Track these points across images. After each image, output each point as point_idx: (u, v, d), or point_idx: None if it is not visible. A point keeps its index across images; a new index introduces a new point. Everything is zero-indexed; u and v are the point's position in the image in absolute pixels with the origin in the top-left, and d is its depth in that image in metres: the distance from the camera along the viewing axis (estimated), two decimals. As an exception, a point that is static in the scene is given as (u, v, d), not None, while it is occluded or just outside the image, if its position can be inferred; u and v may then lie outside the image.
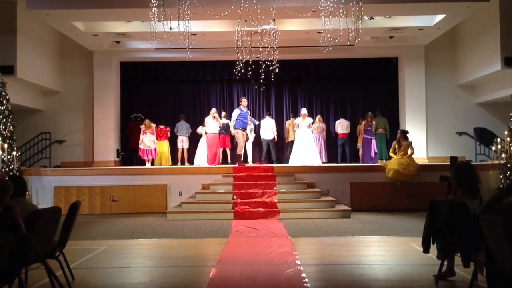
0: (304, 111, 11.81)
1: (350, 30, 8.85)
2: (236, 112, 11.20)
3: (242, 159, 11.30)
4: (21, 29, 10.67)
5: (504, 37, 10.44)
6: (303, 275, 4.78)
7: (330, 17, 8.75)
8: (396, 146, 10.15)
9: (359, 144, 12.82)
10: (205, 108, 13.83)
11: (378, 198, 9.97)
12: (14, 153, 9.34)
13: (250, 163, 12.04)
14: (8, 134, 9.22)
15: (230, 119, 12.04)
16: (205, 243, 6.81)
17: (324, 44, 8.85)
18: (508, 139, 9.30)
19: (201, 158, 12.19)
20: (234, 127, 11.24)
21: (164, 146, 12.70)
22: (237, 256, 5.80)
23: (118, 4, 9.59)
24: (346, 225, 8.08)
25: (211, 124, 11.65)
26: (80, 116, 13.28)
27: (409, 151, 9.97)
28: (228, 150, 12.70)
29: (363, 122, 12.62)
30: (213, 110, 11.80)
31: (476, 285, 4.21)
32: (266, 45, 9.50)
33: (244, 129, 11.14)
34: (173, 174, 10.47)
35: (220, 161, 12.13)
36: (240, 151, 11.11)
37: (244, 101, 11.34)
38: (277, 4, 8.87)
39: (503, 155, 9.43)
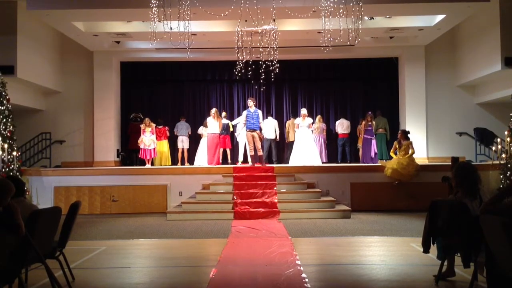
0: (304, 111, 11.81)
1: (350, 30, 8.85)
2: (244, 114, 11.19)
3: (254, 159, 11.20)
4: (21, 29, 10.67)
5: (504, 37, 10.44)
6: (303, 275, 4.78)
7: (330, 17, 8.76)
8: (397, 146, 10.15)
9: (359, 144, 12.83)
10: (205, 108, 13.86)
11: (378, 198, 9.97)
12: (14, 153, 9.34)
13: (250, 163, 12.03)
14: (8, 134, 9.21)
15: (232, 120, 11.98)
16: (205, 243, 6.81)
17: (324, 44, 8.85)
18: (508, 139, 9.30)
19: (202, 158, 12.20)
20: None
21: (164, 146, 12.71)
22: (237, 256, 5.80)
23: (118, 4, 9.59)
24: (346, 225, 8.08)
25: (212, 124, 11.65)
26: (80, 116, 13.29)
27: (410, 151, 9.97)
28: (228, 150, 12.71)
29: (363, 122, 12.63)
30: (213, 110, 11.81)
31: (476, 285, 4.21)
32: (266, 45, 9.50)
33: (251, 130, 10.97)
34: (173, 174, 10.47)
35: (220, 161, 12.14)
36: (251, 152, 11.05)
37: (249, 102, 11.19)
38: (277, 4, 8.87)
39: (503, 155, 9.43)
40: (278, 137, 12.77)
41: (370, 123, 12.50)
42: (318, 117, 12.91)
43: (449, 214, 4.18)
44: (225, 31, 10.94)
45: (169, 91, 14.18)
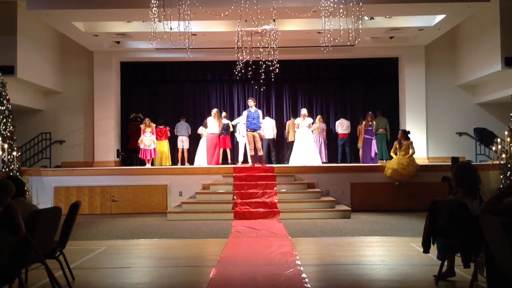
0: (304, 111, 11.81)
1: (350, 30, 8.85)
2: (244, 114, 11.15)
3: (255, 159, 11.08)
4: (21, 29, 10.67)
5: (504, 37, 10.44)
6: (303, 275, 4.78)
7: (330, 17, 8.76)
8: (397, 146, 10.14)
9: (359, 144, 12.83)
10: (205, 108, 13.88)
11: (378, 198, 9.96)
12: (14, 153, 9.33)
13: (250, 163, 12.03)
14: (8, 134, 9.21)
15: (232, 120, 11.92)
16: (205, 243, 6.81)
17: (324, 44, 8.85)
18: (508, 139, 9.30)
19: (202, 158, 12.20)
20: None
21: (164, 146, 12.71)
22: (237, 257, 5.80)
23: (118, 4, 9.59)
24: (346, 225, 8.08)
25: (212, 124, 11.65)
26: (80, 116, 13.29)
27: (410, 151, 9.96)
28: (228, 150, 12.70)
29: (364, 122, 12.63)
30: (215, 110, 11.80)
31: (476, 286, 4.21)
32: (266, 45, 9.50)
33: (252, 130, 10.89)
34: (173, 174, 10.46)
35: (220, 161, 12.14)
36: (251, 152, 11.01)
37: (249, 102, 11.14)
38: (277, 4, 8.87)
39: (503, 156, 9.43)
40: (275, 137, 12.77)
41: (370, 123, 12.50)
42: (318, 117, 12.91)
43: (449, 214, 4.18)
44: (225, 31, 10.94)
45: (169, 91, 14.18)
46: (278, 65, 9.50)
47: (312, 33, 11.11)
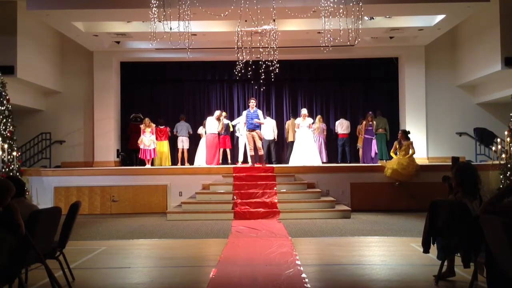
0: (304, 111, 11.80)
1: (350, 30, 8.84)
2: (244, 114, 11.13)
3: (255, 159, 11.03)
4: (21, 29, 10.67)
5: (504, 37, 10.44)
6: (303, 275, 4.78)
7: (330, 17, 8.75)
8: (397, 146, 10.14)
9: (359, 144, 12.83)
10: (205, 108, 13.88)
11: (378, 198, 9.97)
12: (14, 153, 9.35)
13: (250, 163, 12.03)
14: (8, 134, 9.22)
15: (232, 120, 11.92)
16: (205, 243, 6.81)
17: (324, 44, 8.85)
18: (508, 139, 9.30)
19: (202, 158, 12.21)
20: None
21: (164, 146, 12.71)
22: (237, 257, 5.80)
23: (118, 4, 9.60)
24: (346, 225, 8.09)
25: (211, 124, 11.64)
26: (80, 116, 13.29)
27: (410, 151, 9.96)
28: (228, 150, 12.70)
29: (364, 122, 12.63)
30: (218, 112, 11.80)
31: (476, 285, 4.21)
32: (266, 45, 9.50)
33: (251, 130, 10.86)
34: (173, 174, 10.47)
35: (220, 161, 12.13)
36: (250, 152, 10.98)
37: (251, 102, 11.12)
38: (277, 4, 8.86)
39: (503, 156, 9.44)
40: (276, 138, 12.76)
41: (370, 123, 12.50)
42: (318, 117, 12.91)
43: (449, 214, 4.18)
44: (225, 31, 10.94)
45: (169, 91, 14.18)
46: (278, 65, 9.50)
47: (312, 33, 11.11)
